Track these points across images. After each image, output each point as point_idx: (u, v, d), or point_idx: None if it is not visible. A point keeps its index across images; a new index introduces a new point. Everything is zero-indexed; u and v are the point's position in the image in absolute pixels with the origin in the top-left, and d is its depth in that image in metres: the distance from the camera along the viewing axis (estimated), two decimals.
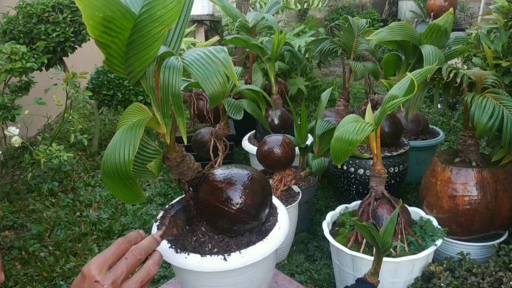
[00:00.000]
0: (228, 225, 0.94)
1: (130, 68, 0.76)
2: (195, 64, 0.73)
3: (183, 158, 0.92)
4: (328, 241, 1.35)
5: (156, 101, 0.81)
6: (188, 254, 0.91)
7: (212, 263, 0.89)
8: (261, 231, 0.98)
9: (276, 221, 1.02)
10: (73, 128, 2.14)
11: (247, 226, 0.95)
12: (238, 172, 0.97)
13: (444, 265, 1.26)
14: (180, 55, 0.77)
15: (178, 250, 0.92)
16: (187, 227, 0.99)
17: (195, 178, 0.96)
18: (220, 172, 0.97)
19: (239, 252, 0.91)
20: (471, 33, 1.88)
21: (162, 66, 0.75)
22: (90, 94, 2.24)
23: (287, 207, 1.58)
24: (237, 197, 0.93)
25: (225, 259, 0.89)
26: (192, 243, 0.94)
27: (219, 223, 0.94)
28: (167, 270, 1.62)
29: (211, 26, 4.17)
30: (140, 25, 0.70)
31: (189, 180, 0.96)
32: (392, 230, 1.05)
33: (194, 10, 3.73)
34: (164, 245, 0.94)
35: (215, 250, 0.92)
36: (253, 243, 0.94)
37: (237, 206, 0.92)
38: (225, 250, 0.92)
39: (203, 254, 0.91)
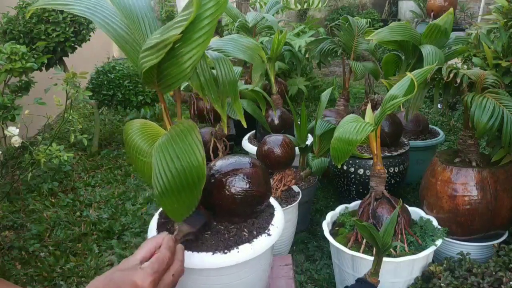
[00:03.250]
0: (248, 208, 0.97)
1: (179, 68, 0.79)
2: (237, 51, 0.90)
3: None
4: (328, 241, 1.35)
5: (214, 93, 0.87)
6: (214, 253, 0.91)
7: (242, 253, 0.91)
8: (266, 218, 1.02)
9: (274, 208, 1.06)
10: (73, 128, 2.14)
11: (262, 206, 1.01)
12: (240, 160, 1.01)
13: (444, 265, 1.26)
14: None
15: (196, 250, 0.92)
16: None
17: None
18: (220, 164, 0.99)
19: (267, 233, 0.96)
20: (471, 33, 1.88)
21: (211, 60, 0.84)
22: (90, 94, 2.24)
23: (287, 207, 1.58)
24: (247, 182, 0.96)
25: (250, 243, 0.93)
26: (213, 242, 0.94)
27: (240, 209, 0.97)
28: None
29: None
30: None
31: None
32: (392, 230, 1.05)
33: None
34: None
35: (235, 240, 0.94)
36: (266, 228, 0.99)
37: (256, 188, 0.97)
38: (247, 239, 0.94)
39: (217, 250, 0.91)
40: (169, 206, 0.78)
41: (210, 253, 0.89)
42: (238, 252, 0.90)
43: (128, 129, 0.85)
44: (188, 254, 0.88)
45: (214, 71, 0.88)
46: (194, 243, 0.91)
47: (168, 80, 0.80)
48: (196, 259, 0.88)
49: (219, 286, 0.93)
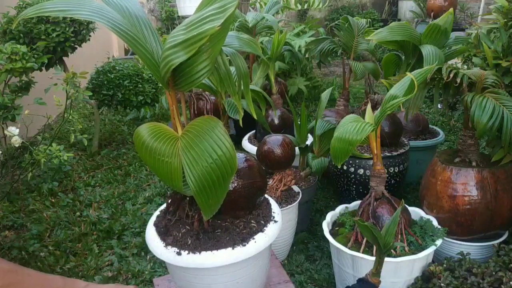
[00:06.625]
0: (252, 200, 1.01)
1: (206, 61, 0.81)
2: (243, 45, 0.96)
3: None
4: (328, 241, 1.35)
5: (233, 86, 0.93)
6: (217, 251, 0.91)
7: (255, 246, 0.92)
8: (266, 208, 1.06)
9: (267, 198, 1.10)
10: (73, 128, 2.14)
11: (261, 197, 1.05)
12: (238, 155, 1.03)
13: (444, 265, 1.26)
14: None
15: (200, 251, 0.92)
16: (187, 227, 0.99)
17: None
18: None
19: (262, 232, 0.97)
20: (471, 33, 1.88)
21: (228, 55, 0.88)
22: (90, 94, 2.24)
23: (287, 207, 1.58)
24: (249, 175, 1.00)
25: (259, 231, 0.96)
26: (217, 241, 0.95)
27: (245, 202, 0.99)
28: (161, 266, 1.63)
29: None
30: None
31: None
32: (394, 231, 1.05)
33: (193, 9, 3.73)
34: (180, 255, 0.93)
35: (244, 236, 0.95)
36: (270, 215, 1.02)
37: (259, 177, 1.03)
38: (251, 234, 0.96)
39: (236, 244, 0.92)
40: (205, 202, 0.79)
41: (230, 248, 0.90)
42: (255, 242, 0.92)
43: (139, 133, 0.84)
44: (207, 254, 0.89)
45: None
46: (207, 242, 0.92)
47: (189, 78, 0.80)
48: (218, 257, 0.89)
49: (243, 278, 0.95)
